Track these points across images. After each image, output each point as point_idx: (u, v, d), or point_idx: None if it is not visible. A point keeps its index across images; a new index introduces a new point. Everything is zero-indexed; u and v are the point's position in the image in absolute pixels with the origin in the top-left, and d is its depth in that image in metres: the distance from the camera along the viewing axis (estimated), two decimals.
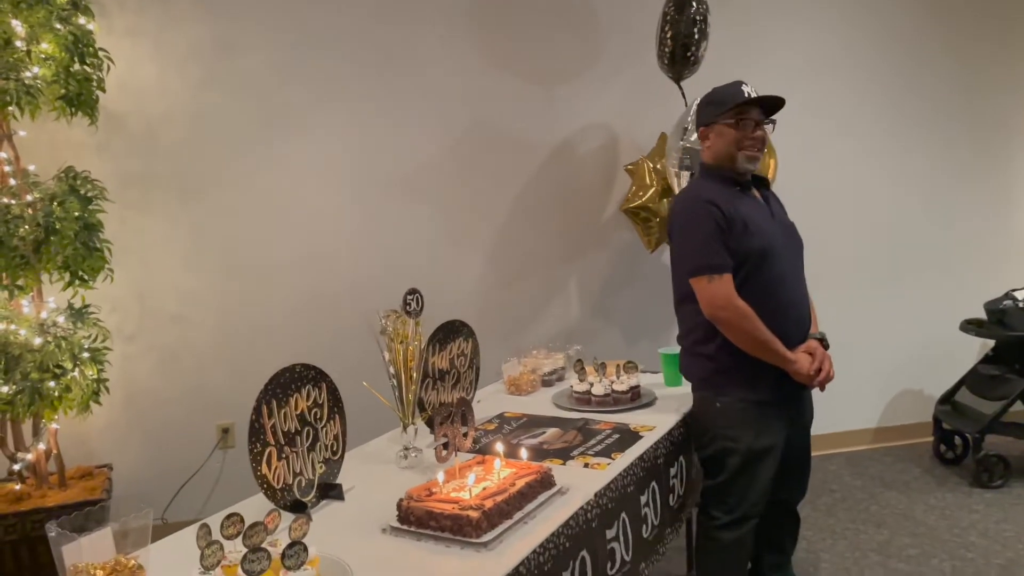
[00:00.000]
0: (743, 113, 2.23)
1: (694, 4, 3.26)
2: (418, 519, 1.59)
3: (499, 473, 1.73)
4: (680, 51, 3.30)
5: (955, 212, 4.28)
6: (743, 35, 3.86)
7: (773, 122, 2.30)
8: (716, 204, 2.19)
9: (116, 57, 3.05)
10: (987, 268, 4.25)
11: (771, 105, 2.26)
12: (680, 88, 3.45)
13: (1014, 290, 3.80)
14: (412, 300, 2.04)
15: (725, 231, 2.18)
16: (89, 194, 2.89)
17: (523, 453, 1.88)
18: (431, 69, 3.68)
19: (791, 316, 2.27)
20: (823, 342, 2.33)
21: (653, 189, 3.55)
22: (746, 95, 2.22)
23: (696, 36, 3.28)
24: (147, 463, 3.40)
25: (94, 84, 2.92)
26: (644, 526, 2.08)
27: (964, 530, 3.19)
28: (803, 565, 2.90)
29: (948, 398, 3.95)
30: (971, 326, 3.84)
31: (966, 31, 4.20)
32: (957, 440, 3.94)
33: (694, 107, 3.36)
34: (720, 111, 2.26)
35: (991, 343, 3.92)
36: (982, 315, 3.88)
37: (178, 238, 3.44)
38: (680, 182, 3.32)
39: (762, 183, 2.38)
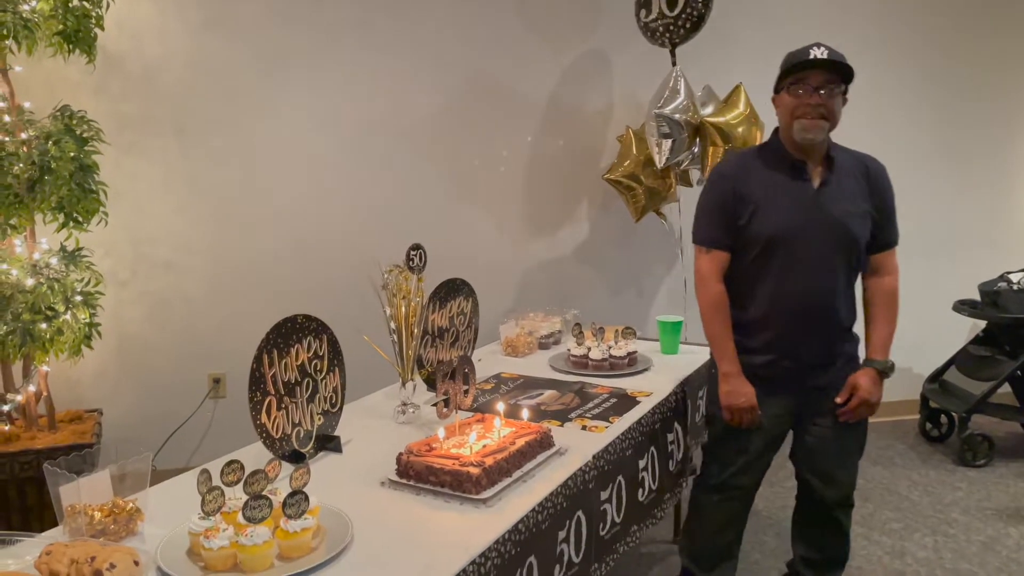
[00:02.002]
0: (801, 77, 2.03)
1: None
2: (418, 473, 1.59)
3: (499, 431, 1.73)
4: (703, 16, 3.23)
5: (954, 193, 4.27)
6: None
7: (841, 89, 2.06)
8: (732, 179, 2.14)
9: None
10: (983, 250, 4.26)
11: (838, 70, 2.03)
12: (673, 55, 3.36)
13: (1009, 272, 3.82)
14: (416, 256, 2.02)
15: (730, 210, 2.12)
16: (85, 135, 2.83)
17: (524, 413, 1.88)
18: (438, 19, 3.61)
19: (796, 309, 2.12)
20: (883, 373, 2.16)
21: (636, 159, 3.52)
22: (809, 56, 2.01)
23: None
24: (137, 409, 3.38)
25: (92, 21, 2.84)
26: (640, 490, 2.09)
27: (947, 507, 3.24)
28: (785, 535, 2.93)
29: (937, 377, 3.99)
30: (964, 306, 3.86)
31: (977, 15, 4.16)
32: (943, 418, 3.99)
33: (676, 74, 3.31)
34: (780, 78, 2.10)
35: (981, 325, 3.95)
36: (975, 296, 3.90)
37: (174, 183, 3.39)
38: (662, 151, 3.26)
39: (832, 162, 2.13)
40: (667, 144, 3.23)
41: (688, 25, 3.26)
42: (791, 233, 2.08)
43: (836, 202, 2.10)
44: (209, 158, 3.41)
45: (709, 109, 3.36)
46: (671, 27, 3.28)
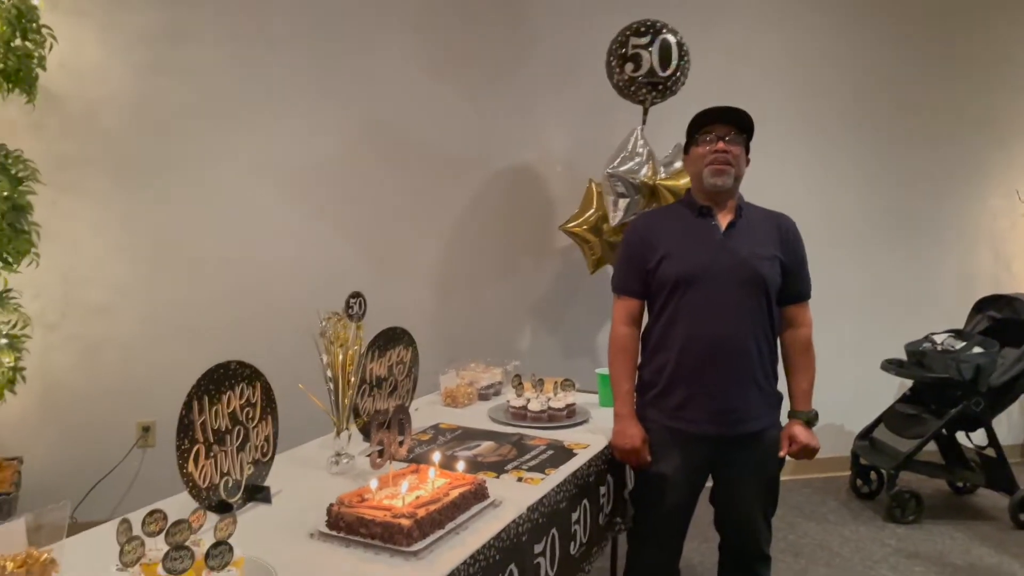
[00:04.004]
0: (707, 130, 2.21)
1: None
2: (348, 525, 1.56)
3: (433, 482, 1.72)
4: (683, 80, 3.35)
5: (880, 256, 4.46)
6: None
7: (743, 139, 2.21)
8: (640, 228, 2.35)
9: (59, 35, 2.95)
10: (908, 311, 4.43)
11: (739, 123, 2.21)
12: (646, 113, 3.41)
13: (933, 333, 3.98)
14: (355, 304, 2.01)
15: (639, 258, 2.28)
16: (20, 174, 2.78)
17: (459, 465, 1.87)
18: (381, 76, 3.67)
19: (706, 352, 2.18)
20: (808, 423, 2.26)
21: (597, 213, 3.57)
22: (702, 111, 2.22)
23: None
24: (60, 458, 3.26)
25: (34, 61, 2.82)
26: (572, 543, 2.09)
27: (876, 563, 3.30)
28: None
29: (866, 434, 4.09)
30: (891, 365, 3.98)
31: (909, 86, 4.40)
32: (873, 475, 4.08)
33: (637, 135, 3.40)
34: (688, 135, 2.28)
35: (909, 383, 4.08)
36: (902, 355, 4.04)
37: (110, 225, 3.33)
38: (617, 210, 3.32)
39: (740, 211, 2.26)
40: (623, 203, 3.27)
41: (675, 88, 3.34)
42: (697, 274, 2.18)
43: (743, 244, 2.21)
44: (147, 200, 3.37)
45: (677, 166, 3.38)
46: (659, 86, 3.31)
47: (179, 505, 1.67)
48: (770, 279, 2.20)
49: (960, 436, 3.97)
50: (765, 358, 2.24)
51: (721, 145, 2.18)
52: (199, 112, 3.41)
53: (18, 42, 2.75)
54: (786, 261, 2.25)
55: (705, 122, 2.22)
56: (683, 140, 2.25)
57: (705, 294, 2.18)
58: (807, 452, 2.25)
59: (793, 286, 2.28)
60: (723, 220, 2.25)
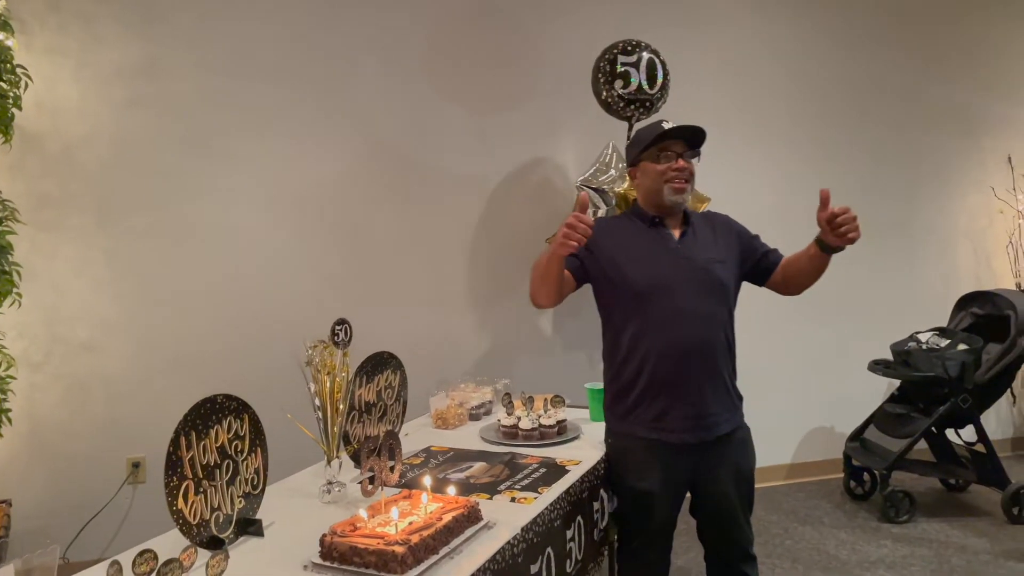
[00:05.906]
0: (664, 147, 2.24)
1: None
2: (341, 555, 1.55)
3: (426, 507, 1.71)
4: (663, 99, 3.41)
5: (864, 258, 4.48)
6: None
7: (698, 154, 2.29)
8: (597, 229, 2.19)
9: (35, 75, 2.96)
10: (892, 311, 4.47)
11: (694, 139, 2.27)
12: (631, 130, 3.45)
13: (918, 332, 4.01)
14: (340, 330, 2.01)
15: (588, 254, 2.24)
16: None
17: (451, 488, 1.87)
18: (361, 100, 3.69)
19: (676, 359, 2.18)
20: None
21: None
22: (664, 128, 2.24)
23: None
24: (50, 498, 3.22)
25: (10, 101, 2.82)
26: (568, 561, 2.08)
27: (873, 564, 3.31)
28: None
29: (857, 436, 4.12)
30: (878, 366, 4.01)
31: (883, 85, 4.47)
32: (866, 476, 4.10)
33: (610, 147, 3.45)
34: (642, 148, 2.29)
35: (897, 383, 4.11)
36: (889, 356, 4.07)
37: (93, 263, 3.32)
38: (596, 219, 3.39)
39: (688, 218, 2.31)
40: (600, 214, 3.34)
41: (658, 105, 3.41)
42: (660, 283, 2.19)
43: (698, 250, 2.26)
44: (130, 235, 3.36)
45: None
46: (646, 103, 3.38)
47: (170, 543, 1.65)
48: (727, 281, 2.28)
49: (950, 433, 4.01)
50: (730, 360, 2.29)
51: (681, 163, 2.24)
52: (179, 145, 3.41)
53: None
54: (742, 250, 2.34)
55: (660, 139, 2.24)
56: None
57: (670, 302, 2.19)
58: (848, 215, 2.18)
59: (766, 259, 2.37)
60: (675, 230, 2.30)
